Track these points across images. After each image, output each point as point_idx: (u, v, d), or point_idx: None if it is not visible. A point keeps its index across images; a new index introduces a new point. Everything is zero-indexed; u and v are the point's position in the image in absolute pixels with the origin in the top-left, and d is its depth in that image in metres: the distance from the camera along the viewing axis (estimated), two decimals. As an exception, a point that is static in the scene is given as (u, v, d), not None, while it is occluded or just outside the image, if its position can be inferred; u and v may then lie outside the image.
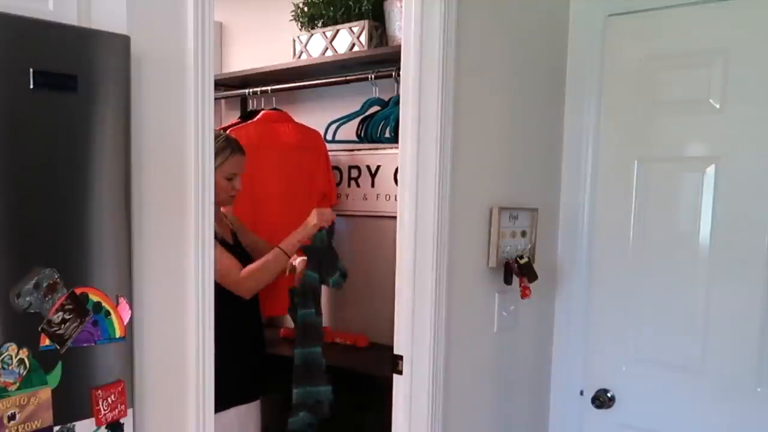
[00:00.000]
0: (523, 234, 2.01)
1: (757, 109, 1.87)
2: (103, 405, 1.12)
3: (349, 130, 2.69)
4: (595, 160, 2.14)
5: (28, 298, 1.02)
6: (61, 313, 1.06)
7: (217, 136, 2.23)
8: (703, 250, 1.95)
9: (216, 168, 2.16)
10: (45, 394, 1.05)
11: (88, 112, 1.08)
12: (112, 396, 1.13)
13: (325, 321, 3.00)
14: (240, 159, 2.26)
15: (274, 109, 2.90)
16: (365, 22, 2.56)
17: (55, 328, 1.05)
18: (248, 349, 2.30)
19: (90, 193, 1.10)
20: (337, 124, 2.69)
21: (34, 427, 1.03)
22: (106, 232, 1.13)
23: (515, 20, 1.97)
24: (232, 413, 2.16)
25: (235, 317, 2.21)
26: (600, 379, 2.15)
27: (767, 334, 1.87)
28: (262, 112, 2.85)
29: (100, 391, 1.12)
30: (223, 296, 2.18)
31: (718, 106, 1.93)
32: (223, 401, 2.09)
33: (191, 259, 1.27)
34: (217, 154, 2.19)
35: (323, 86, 2.79)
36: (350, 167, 2.88)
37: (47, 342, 1.05)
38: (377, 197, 2.79)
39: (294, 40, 2.80)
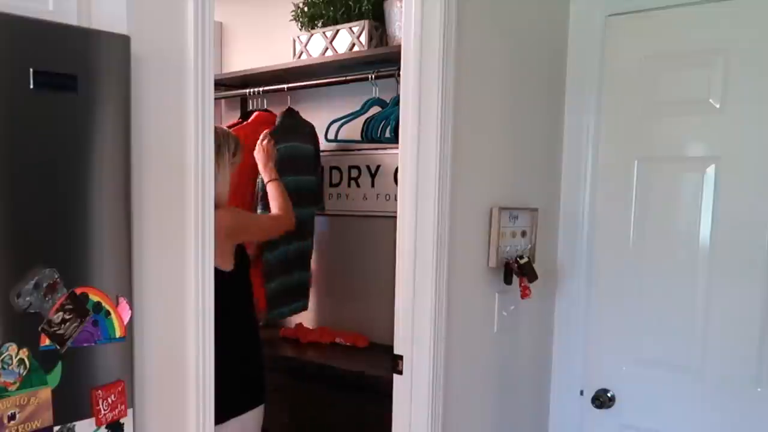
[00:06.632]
0: (523, 234, 2.01)
1: (757, 109, 1.87)
2: (103, 405, 1.12)
3: (350, 131, 2.69)
4: (595, 160, 2.14)
5: (28, 298, 1.02)
6: (61, 313, 1.05)
7: (231, 135, 2.26)
8: (703, 250, 1.95)
9: (236, 164, 2.24)
10: (45, 394, 1.05)
11: (88, 112, 1.08)
12: (112, 396, 1.13)
13: (325, 321, 3.01)
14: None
15: (265, 110, 2.91)
16: (365, 22, 2.56)
17: (55, 328, 1.05)
18: (247, 357, 2.22)
19: (90, 193, 1.10)
20: (337, 124, 2.69)
21: (34, 427, 1.03)
22: (106, 232, 1.13)
23: (515, 20, 1.97)
24: (236, 423, 2.10)
25: (233, 324, 2.18)
26: (600, 379, 2.14)
27: (767, 335, 1.87)
28: (255, 113, 2.86)
29: (100, 391, 1.12)
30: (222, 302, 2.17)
31: (718, 106, 1.92)
32: (224, 412, 2.07)
33: (191, 259, 1.27)
34: (237, 152, 2.25)
35: (323, 86, 2.79)
36: (350, 167, 2.88)
37: (47, 342, 1.05)
38: (377, 197, 2.79)
39: (294, 40, 2.80)
